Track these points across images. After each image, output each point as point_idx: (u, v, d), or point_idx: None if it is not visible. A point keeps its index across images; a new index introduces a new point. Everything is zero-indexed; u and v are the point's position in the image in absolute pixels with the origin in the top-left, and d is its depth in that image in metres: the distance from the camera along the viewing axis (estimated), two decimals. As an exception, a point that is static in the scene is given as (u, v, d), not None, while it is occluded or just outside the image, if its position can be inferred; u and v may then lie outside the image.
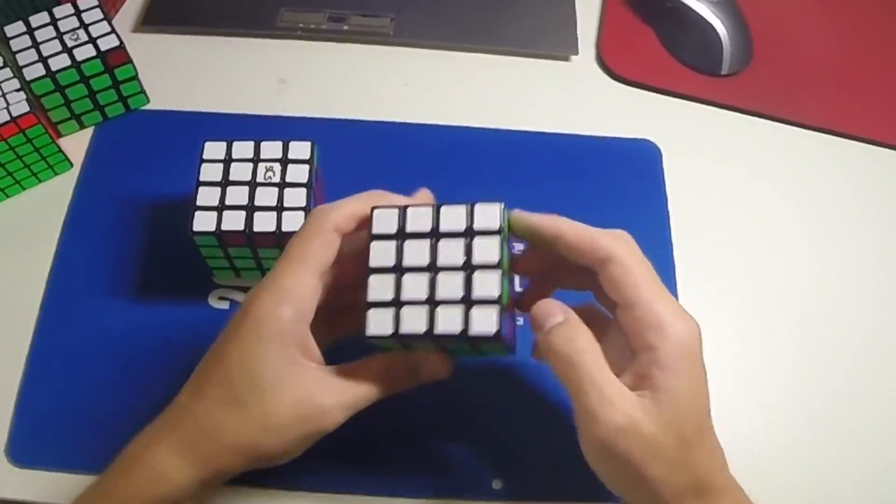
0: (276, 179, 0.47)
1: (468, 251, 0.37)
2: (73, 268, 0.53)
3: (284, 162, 0.48)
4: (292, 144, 0.48)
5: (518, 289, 0.47)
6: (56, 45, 0.55)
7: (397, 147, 0.59)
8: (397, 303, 0.37)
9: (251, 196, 0.47)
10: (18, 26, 0.56)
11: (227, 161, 0.48)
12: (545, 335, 0.37)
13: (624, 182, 0.57)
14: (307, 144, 0.48)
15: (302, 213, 0.46)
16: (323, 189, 0.53)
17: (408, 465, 0.47)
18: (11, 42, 0.55)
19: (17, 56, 0.54)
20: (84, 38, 0.55)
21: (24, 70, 0.54)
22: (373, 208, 0.39)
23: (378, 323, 0.37)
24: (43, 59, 0.54)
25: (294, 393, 0.37)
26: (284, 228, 0.46)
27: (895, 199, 0.60)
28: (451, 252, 0.37)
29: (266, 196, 0.47)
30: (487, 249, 0.37)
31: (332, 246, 0.39)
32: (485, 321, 0.36)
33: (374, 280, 0.37)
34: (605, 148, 0.59)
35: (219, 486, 0.39)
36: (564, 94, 0.63)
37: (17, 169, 0.55)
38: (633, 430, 0.34)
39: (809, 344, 0.53)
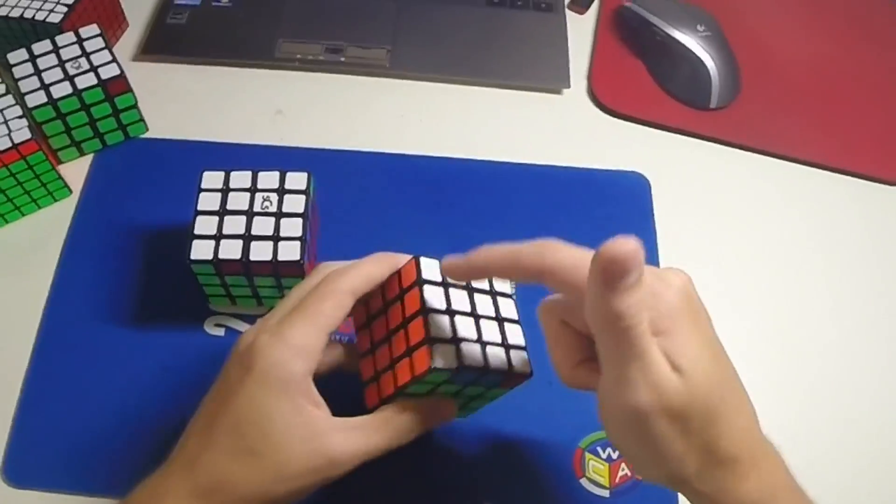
0: (273, 209, 0.48)
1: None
2: (71, 293, 0.54)
3: (281, 192, 0.49)
4: (289, 175, 0.49)
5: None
6: (58, 73, 0.56)
7: (391, 177, 0.60)
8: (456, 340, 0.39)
9: (248, 225, 0.48)
10: (21, 54, 0.57)
11: (225, 190, 0.49)
12: (615, 293, 0.31)
13: (613, 214, 0.59)
14: (304, 175, 0.49)
15: (298, 243, 0.47)
16: (318, 219, 0.54)
17: (396, 485, 0.48)
18: (14, 69, 0.56)
19: (20, 83, 0.55)
20: (85, 66, 0.56)
21: (27, 97, 0.55)
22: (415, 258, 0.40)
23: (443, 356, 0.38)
24: (45, 87, 0.55)
25: (306, 445, 0.37)
26: (280, 258, 0.47)
27: (882, 233, 0.61)
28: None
29: (263, 225, 0.48)
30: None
31: (345, 307, 0.39)
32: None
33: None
34: (596, 180, 0.61)
35: None
36: (556, 127, 0.64)
37: (18, 195, 0.55)
38: (667, 405, 0.33)
39: (796, 374, 0.54)
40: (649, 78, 0.68)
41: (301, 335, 0.38)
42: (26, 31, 0.60)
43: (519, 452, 0.49)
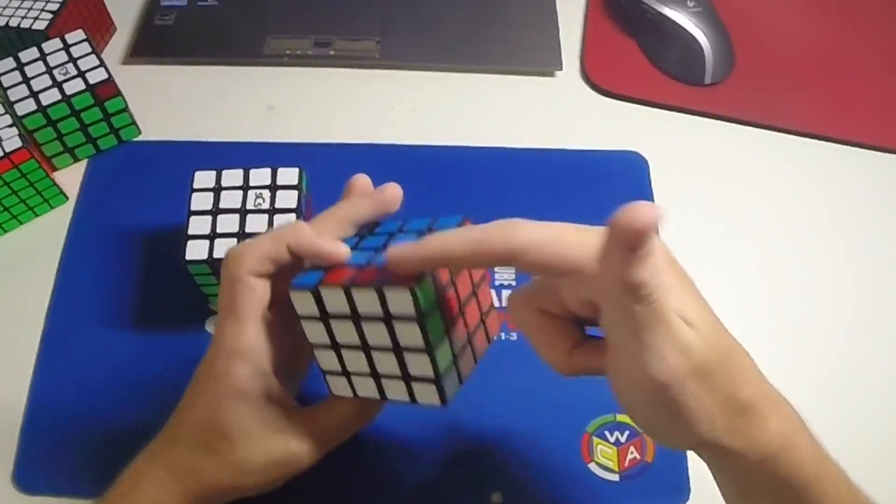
0: (266, 206, 0.48)
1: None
2: (72, 298, 0.54)
3: (273, 188, 0.49)
4: (280, 171, 0.49)
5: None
6: (46, 80, 0.56)
7: (386, 168, 0.58)
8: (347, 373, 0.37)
9: (242, 223, 0.48)
10: (8, 62, 0.56)
11: (217, 189, 0.49)
12: (636, 262, 0.29)
13: (612, 194, 0.58)
14: (295, 171, 0.49)
15: None
16: (312, 213, 0.54)
17: (404, 478, 0.48)
18: (2, 78, 0.56)
19: (9, 92, 0.55)
20: (73, 72, 0.56)
21: (16, 105, 0.55)
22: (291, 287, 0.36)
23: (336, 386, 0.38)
24: (34, 94, 0.55)
25: (263, 443, 0.38)
26: None
27: (884, 201, 0.61)
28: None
29: (256, 223, 0.48)
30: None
31: (256, 291, 0.38)
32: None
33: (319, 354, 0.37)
34: (592, 161, 0.60)
35: None
36: (550, 110, 0.64)
37: (14, 204, 0.55)
38: (695, 365, 0.31)
39: (798, 352, 0.53)
40: (642, 56, 0.67)
41: (233, 338, 0.38)
42: (12, 40, 0.60)
43: (526, 440, 0.49)
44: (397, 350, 0.34)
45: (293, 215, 0.48)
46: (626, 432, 0.49)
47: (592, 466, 0.48)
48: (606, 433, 0.49)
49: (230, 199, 0.48)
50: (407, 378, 0.35)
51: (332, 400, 0.40)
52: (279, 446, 0.38)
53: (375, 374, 0.36)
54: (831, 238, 0.59)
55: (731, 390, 0.32)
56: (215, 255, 0.46)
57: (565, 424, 0.49)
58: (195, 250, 0.47)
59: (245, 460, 0.38)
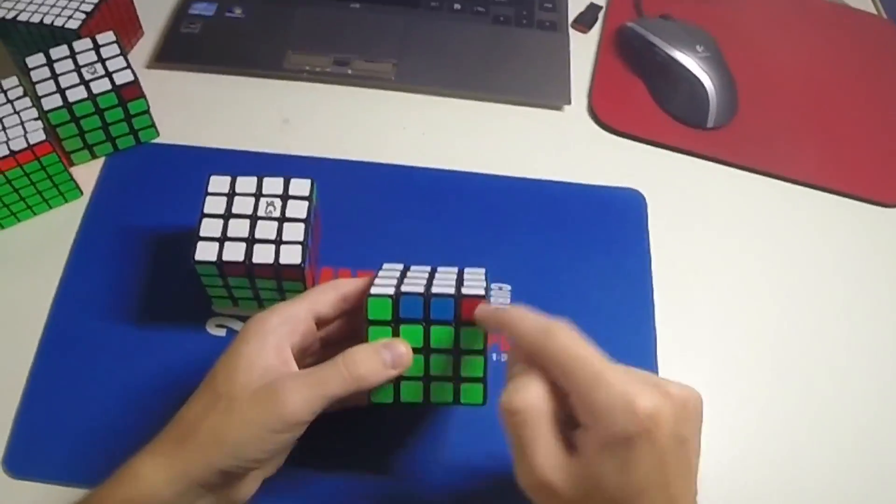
0: (277, 214, 0.49)
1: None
2: (78, 291, 0.55)
3: (285, 198, 0.50)
4: (293, 181, 0.51)
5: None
6: (74, 78, 0.57)
7: (393, 188, 0.61)
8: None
9: (252, 229, 0.49)
10: (39, 58, 0.58)
11: (231, 195, 0.50)
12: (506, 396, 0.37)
13: (609, 229, 0.60)
14: (307, 182, 0.51)
15: (299, 247, 0.48)
16: (321, 225, 0.55)
17: (428, 495, 0.48)
18: (32, 73, 0.57)
19: (37, 86, 0.57)
20: (101, 71, 0.58)
21: (43, 100, 0.56)
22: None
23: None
24: (61, 91, 0.57)
25: (258, 378, 0.40)
26: (282, 261, 0.48)
27: (877, 254, 0.62)
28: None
29: (266, 229, 0.49)
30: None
31: (329, 296, 0.44)
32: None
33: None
34: (593, 196, 0.62)
35: (205, 489, 0.40)
36: (555, 142, 0.66)
37: (30, 195, 0.57)
38: (549, 490, 0.35)
39: (790, 394, 0.54)
40: (648, 96, 0.69)
41: (285, 305, 0.43)
42: (45, 37, 0.61)
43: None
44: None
45: (302, 225, 0.49)
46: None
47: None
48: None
49: (242, 205, 0.50)
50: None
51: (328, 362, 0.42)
52: (270, 386, 0.40)
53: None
54: (824, 288, 0.59)
55: None
56: (224, 258, 0.48)
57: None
58: (204, 251, 0.48)
59: (236, 395, 0.40)
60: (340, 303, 0.45)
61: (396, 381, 0.42)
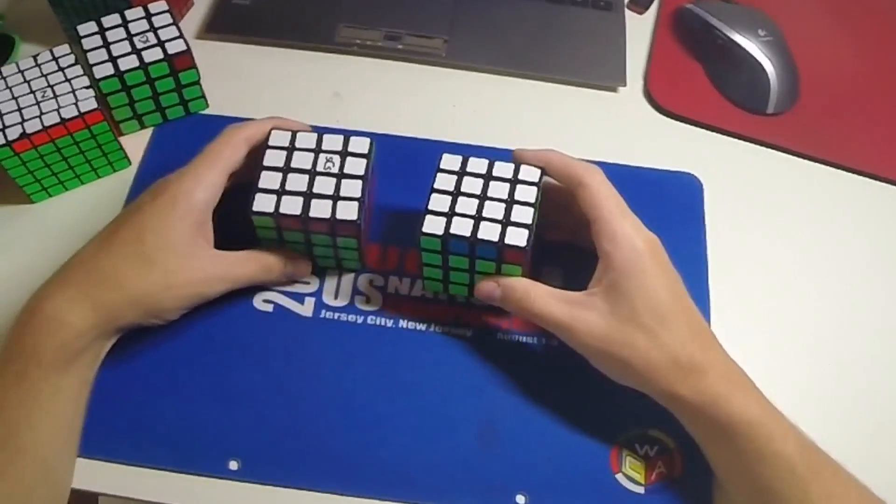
0: (335, 170, 0.49)
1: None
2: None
3: (344, 154, 0.50)
4: (352, 139, 0.50)
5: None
6: (125, 47, 0.57)
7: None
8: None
9: (310, 183, 0.49)
10: (91, 26, 0.58)
11: (291, 149, 0.50)
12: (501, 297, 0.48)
13: (664, 213, 0.58)
14: (366, 140, 0.50)
15: (356, 203, 0.48)
16: (376, 186, 0.54)
17: (429, 476, 0.48)
18: (83, 41, 0.57)
19: (88, 55, 0.57)
20: (153, 40, 0.57)
21: (94, 68, 0.56)
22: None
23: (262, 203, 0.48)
24: (112, 59, 0.57)
25: (195, 261, 0.47)
26: (338, 216, 0.48)
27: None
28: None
29: (324, 185, 0.49)
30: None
31: (240, 153, 0.49)
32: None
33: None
34: (648, 179, 0.60)
35: (110, 339, 0.47)
36: (610, 124, 0.64)
37: (79, 163, 0.57)
38: (578, 324, 0.45)
39: (843, 385, 0.53)
40: (706, 80, 0.67)
41: (204, 171, 0.48)
42: (96, 5, 0.61)
43: (556, 445, 0.49)
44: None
45: (359, 182, 0.49)
46: (656, 447, 0.49)
47: (619, 477, 0.48)
48: (637, 446, 0.49)
49: (302, 160, 0.49)
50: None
51: (246, 257, 0.50)
52: (205, 268, 0.47)
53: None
54: (886, 283, 0.58)
55: (660, 348, 0.43)
56: (281, 210, 0.48)
57: (597, 433, 0.49)
58: (262, 203, 0.48)
59: (176, 271, 0.46)
60: (248, 151, 0.50)
61: (446, 281, 0.51)
